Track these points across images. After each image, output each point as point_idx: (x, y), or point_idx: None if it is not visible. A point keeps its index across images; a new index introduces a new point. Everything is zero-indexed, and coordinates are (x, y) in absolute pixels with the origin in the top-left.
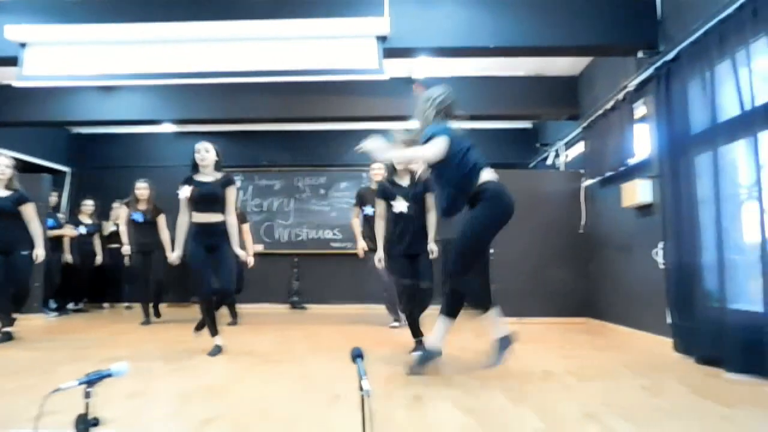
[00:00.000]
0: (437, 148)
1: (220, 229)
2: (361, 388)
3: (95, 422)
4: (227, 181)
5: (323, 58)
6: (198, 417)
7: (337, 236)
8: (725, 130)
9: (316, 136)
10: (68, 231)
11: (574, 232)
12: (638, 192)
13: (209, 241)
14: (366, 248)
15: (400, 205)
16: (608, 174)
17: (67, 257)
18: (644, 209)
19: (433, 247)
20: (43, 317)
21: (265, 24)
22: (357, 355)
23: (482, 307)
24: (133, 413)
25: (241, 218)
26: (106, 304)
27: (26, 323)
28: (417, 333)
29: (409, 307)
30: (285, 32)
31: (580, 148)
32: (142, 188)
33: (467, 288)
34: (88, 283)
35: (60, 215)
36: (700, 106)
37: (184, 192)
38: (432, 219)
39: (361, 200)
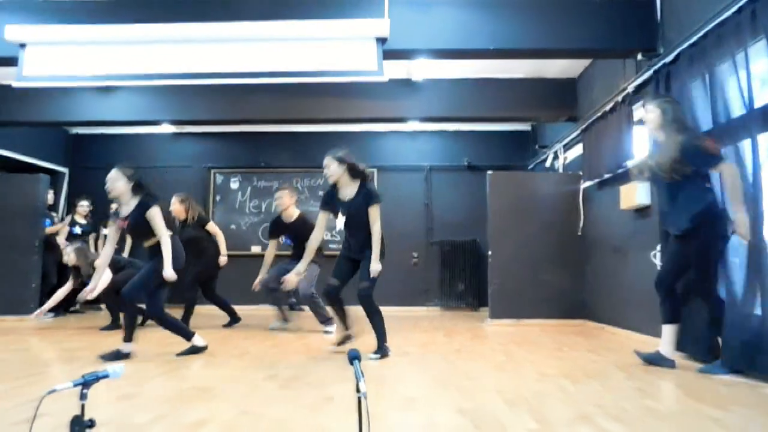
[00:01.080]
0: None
1: (153, 250)
2: (358, 390)
3: (90, 424)
4: (144, 207)
5: (323, 59)
6: (189, 419)
7: (336, 238)
8: (724, 133)
9: (315, 137)
10: (60, 226)
11: (572, 234)
12: (636, 194)
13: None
14: (259, 281)
15: (339, 222)
16: (606, 176)
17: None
18: (642, 211)
19: (375, 267)
20: (38, 318)
21: (264, 25)
22: (354, 357)
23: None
24: (124, 415)
25: (202, 222)
26: (103, 305)
27: (21, 324)
28: (349, 325)
29: (330, 304)
30: (284, 33)
31: (578, 150)
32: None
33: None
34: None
35: (54, 214)
36: (698, 108)
37: (111, 229)
38: (375, 234)
39: (276, 228)
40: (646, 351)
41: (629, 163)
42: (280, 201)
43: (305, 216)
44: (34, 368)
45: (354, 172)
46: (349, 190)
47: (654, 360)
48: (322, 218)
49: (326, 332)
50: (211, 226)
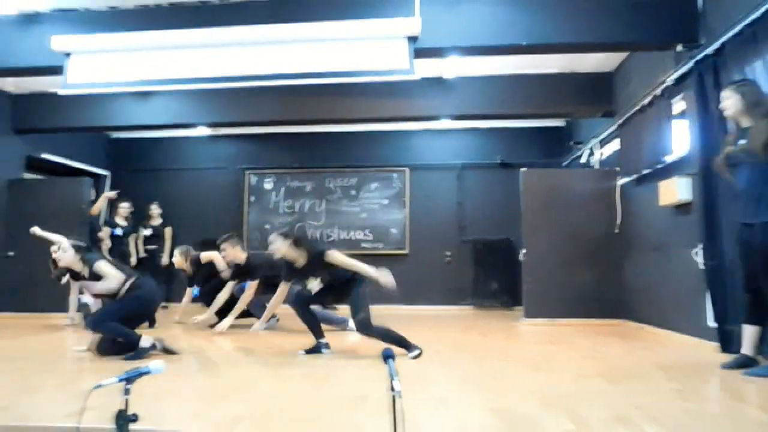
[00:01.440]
0: None
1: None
2: (392, 389)
3: (134, 418)
4: (91, 266)
5: (354, 59)
6: (224, 415)
7: (368, 237)
8: None
9: (346, 138)
10: (101, 201)
11: (609, 232)
12: (676, 190)
13: None
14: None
15: (313, 285)
16: (645, 172)
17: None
18: (683, 208)
19: (387, 280)
20: (79, 316)
21: (297, 27)
22: (388, 356)
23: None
24: (162, 411)
25: (200, 260)
26: None
27: (62, 322)
28: (319, 334)
29: (296, 309)
30: (316, 35)
31: (615, 145)
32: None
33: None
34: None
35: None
36: None
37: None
38: (356, 267)
39: (237, 274)
40: (726, 360)
41: (719, 158)
42: (225, 254)
43: (251, 257)
44: (80, 363)
45: (298, 245)
46: (301, 260)
47: (742, 363)
48: (283, 288)
49: (351, 330)
50: (205, 256)
